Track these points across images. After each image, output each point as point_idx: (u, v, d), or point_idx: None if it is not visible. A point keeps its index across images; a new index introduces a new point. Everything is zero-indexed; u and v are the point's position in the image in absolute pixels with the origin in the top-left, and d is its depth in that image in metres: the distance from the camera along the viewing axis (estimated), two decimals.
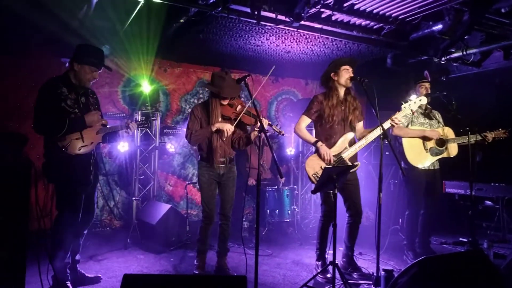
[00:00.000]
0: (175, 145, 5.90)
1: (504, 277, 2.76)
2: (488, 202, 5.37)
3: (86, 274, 3.45)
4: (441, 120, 4.42)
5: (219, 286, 2.32)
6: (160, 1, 3.69)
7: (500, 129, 4.16)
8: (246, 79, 3.24)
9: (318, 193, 3.82)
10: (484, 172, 4.80)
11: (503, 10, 4.28)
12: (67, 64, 3.24)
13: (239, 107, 3.69)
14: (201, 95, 6.41)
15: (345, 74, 3.63)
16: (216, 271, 3.78)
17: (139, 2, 3.70)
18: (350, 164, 3.59)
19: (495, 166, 5.07)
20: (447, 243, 5.13)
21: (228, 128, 3.52)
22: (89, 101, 3.32)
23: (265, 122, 3.39)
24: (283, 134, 3.62)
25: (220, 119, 3.61)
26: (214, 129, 3.54)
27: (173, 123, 6.18)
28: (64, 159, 3.08)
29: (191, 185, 6.10)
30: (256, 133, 3.53)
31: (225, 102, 3.65)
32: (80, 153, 3.14)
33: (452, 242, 5.14)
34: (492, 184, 5.12)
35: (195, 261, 3.79)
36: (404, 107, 3.58)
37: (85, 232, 3.47)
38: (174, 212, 4.90)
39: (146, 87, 5.46)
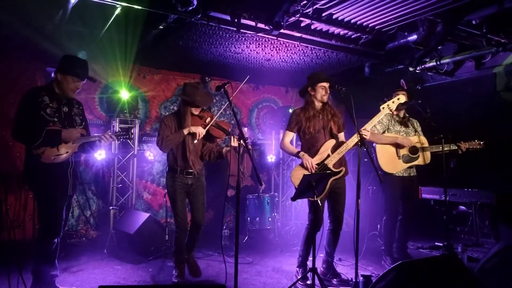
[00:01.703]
0: (154, 153, 5.83)
1: (478, 280, 2.83)
2: (462, 207, 5.51)
3: (60, 287, 3.35)
4: (419, 129, 4.50)
5: None
6: (139, 7, 3.67)
7: (476, 141, 4.28)
8: (226, 86, 3.25)
9: (301, 201, 3.84)
10: (458, 178, 4.93)
11: (474, 22, 4.44)
12: (52, 74, 3.26)
13: (208, 119, 3.79)
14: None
15: (322, 91, 3.74)
16: (192, 274, 3.82)
17: (117, 7, 3.67)
18: (334, 170, 3.64)
19: (468, 172, 5.21)
20: (424, 248, 5.23)
21: (201, 131, 3.58)
22: (72, 111, 3.31)
23: (236, 141, 3.43)
24: (251, 149, 3.70)
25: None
26: (186, 132, 3.62)
27: (152, 131, 6.11)
28: (40, 167, 3.06)
29: None
30: (228, 148, 3.67)
31: (196, 112, 3.73)
32: (55, 162, 3.09)
33: (428, 246, 5.24)
34: (466, 189, 5.26)
35: (174, 270, 3.76)
36: (383, 107, 3.65)
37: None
38: (153, 221, 4.83)
39: (124, 94, 5.39)
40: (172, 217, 5.91)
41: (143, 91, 6.03)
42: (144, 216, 4.76)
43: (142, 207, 5.94)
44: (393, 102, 3.67)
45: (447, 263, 2.75)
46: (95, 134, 3.45)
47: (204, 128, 3.69)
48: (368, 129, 3.59)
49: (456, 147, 4.24)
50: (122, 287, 2.89)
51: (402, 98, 3.70)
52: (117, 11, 3.73)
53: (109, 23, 3.98)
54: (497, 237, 5.03)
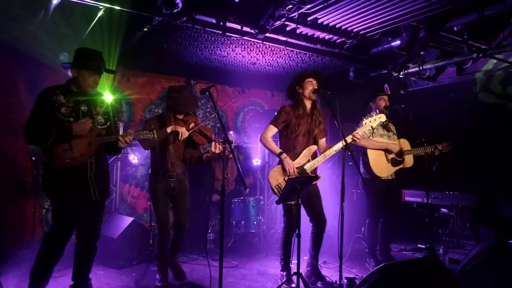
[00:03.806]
0: (138, 156, 5.77)
1: (458, 282, 2.88)
2: (444, 210, 5.61)
3: None
4: (395, 132, 4.60)
5: None
6: (122, 9, 3.64)
7: (444, 142, 4.39)
8: (211, 89, 3.23)
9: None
10: (440, 181, 5.02)
11: (455, 28, 4.54)
12: (69, 72, 3.06)
13: (192, 124, 3.76)
14: None
15: (309, 86, 3.70)
16: (176, 277, 3.80)
17: (100, 9, 3.63)
18: (314, 175, 3.65)
19: (450, 175, 5.30)
20: (407, 250, 5.30)
21: (183, 131, 3.55)
22: (94, 110, 3.08)
23: (217, 148, 3.48)
24: (230, 158, 3.64)
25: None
26: (169, 130, 3.58)
27: None
28: (54, 172, 2.89)
29: None
30: (209, 154, 3.68)
31: (180, 117, 3.69)
32: (68, 165, 2.90)
33: (411, 248, 5.32)
34: (447, 192, 5.35)
35: (157, 275, 3.72)
36: (365, 123, 3.69)
37: (87, 269, 3.22)
38: (137, 225, 4.77)
39: (108, 97, 5.31)
40: (155, 221, 5.90)
41: (127, 94, 5.97)
42: (127, 220, 4.69)
43: (126, 211, 5.87)
44: (374, 119, 3.69)
45: (429, 265, 2.80)
46: (114, 135, 3.15)
47: (188, 131, 3.67)
48: (360, 134, 3.61)
49: (433, 150, 4.32)
50: None
51: (383, 117, 3.73)
52: (100, 12, 3.69)
53: (92, 24, 3.93)
54: (477, 239, 5.13)
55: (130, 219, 4.71)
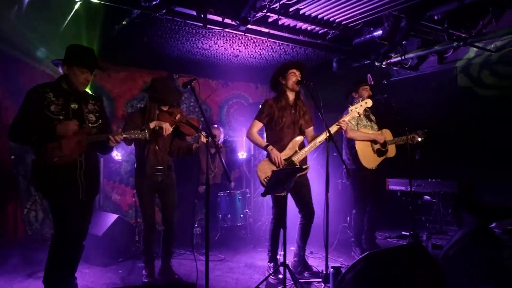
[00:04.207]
0: (121, 153, 5.68)
1: (441, 266, 2.94)
2: (427, 197, 5.71)
3: None
4: (375, 122, 4.62)
5: None
6: (100, 2, 3.56)
7: (420, 131, 4.43)
8: (192, 83, 3.19)
9: (270, 196, 3.85)
10: (423, 169, 5.09)
11: (436, 17, 4.58)
12: (60, 68, 2.97)
13: (178, 115, 3.67)
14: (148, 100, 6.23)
15: (292, 77, 3.69)
16: (161, 274, 3.72)
17: (76, 2, 3.53)
18: (301, 167, 3.66)
19: (433, 162, 5.38)
20: (391, 237, 5.38)
21: (167, 126, 3.48)
22: (85, 108, 2.99)
23: (203, 138, 3.42)
24: (221, 147, 3.66)
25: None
26: (152, 125, 3.48)
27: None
28: (44, 169, 2.83)
29: None
30: (197, 145, 3.61)
31: (165, 109, 3.62)
32: (57, 164, 2.83)
33: (396, 236, 5.40)
34: (430, 180, 5.44)
35: (143, 270, 3.70)
36: (351, 110, 3.70)
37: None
38: (122, 222, 4.71)
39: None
40: (141, 218, 5.85)
41: (108, 89, 5.87)
42: (112, 217, 4.63)
43: (111, 208, 5.79)
44: (361, 105, 3.71)
45: (412, 251, 2.84)
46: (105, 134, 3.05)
47: (174, 124, 3.59)
48: (347, 120, 3.62)
49: (412, 139, 4.36)
50: None
51: (369, 102, 3.75)
52: (77, 5, 3.60)
53: (69, 18, 3.83)
54: (459, 225, 5.24)
55: (115, 216, 4.65)
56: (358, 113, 3.74)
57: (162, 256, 3.77)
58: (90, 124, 3.00)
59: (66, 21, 3.92)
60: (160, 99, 3.57)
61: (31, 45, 4.14)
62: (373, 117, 4.62)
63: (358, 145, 4.35)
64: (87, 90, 3.15)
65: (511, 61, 5.17)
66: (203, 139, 3.44)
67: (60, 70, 2.97)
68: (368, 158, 4.36)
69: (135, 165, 3.74)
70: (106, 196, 5.76)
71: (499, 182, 5.12)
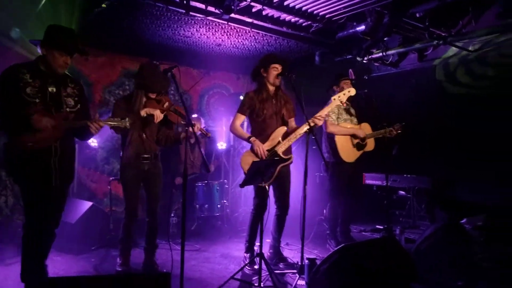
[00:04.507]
0: (98, 139, 5.55)
1: (413, 259, 3.01)
2: (402, 192, 5.82)
3: None
4: (355, 115, 4.66)
5: (141, 285, 2.24)
6: None
7: (397, 124, 4.49)
8: (173, 70, 3.12)
9: (251, 187, 3.86)
10: (399, 164, 5.18)
11: (418, 15, 4.63)
12: (38, 48, 2.81)
13: (166, 103, 3.56)
14: (127, 86, 6.11)
15: (274, 72, 3.70)
16: (145, 268, 3.66)
17: None
18: (284, 157, 3.67)
19: (409, 158, 5.48)
20: (366, 231, 5.48)
21: (158, 113, 3.40)
22: (64, 92, 2.85)
23: (196, 127, 3.36)
24: (209, 136, 3.62)
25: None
26: (143, 113, 3.39)
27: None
28: (16, 153, 2.70)
29: (116, 181, 5.79)
30: (185, 134, 3.46)
31: (153, 96, 3.52)
32: (31, 149, 2.70)
33: (370, 229, 5.50)
34: (405, 175, 5.55)
35: (118, 259, 3.64)
36: (334, 99, 3.72)
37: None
38: (96, 210, 4.62)
39: None
40: (117, 205, 5.76)
41: (86, 73, 5.70)
42: (86, 205, 4.54)
43: (85, 195, 5.67)
44: (344, 94, 3.72)
45: (386, 244, 2.90)
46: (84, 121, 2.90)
47: (162, 112, 3.51)
48: (323, 116, 3.62)
49: (390, 133, 4.41)
50: (60, 279, 2.71)
51: (352, 91, 3.76)
52: None
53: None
54: (432, 220, 5.38)
55: (89, 203, 4.56)
56: (341, 101, 3.75)
57: (147, 249, 3.69)
58: (68, 109, 2.87)
59: (43, 1, 3.76)
60: (147, 86, 3.45)
61: (5, 24, 3.96)
62: (353, 111, 4.65)
63: (338, 140, 4.38)
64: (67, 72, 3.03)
65: (488, 61, 5.29)
66: (194, 129, 3.39)
67: (39, 50, 2.83)
68: (348, 152, 4.40)
69: (120, 153, 3.60)
70: (80, 183, 5.63)
71: (472, 180, 5.27)
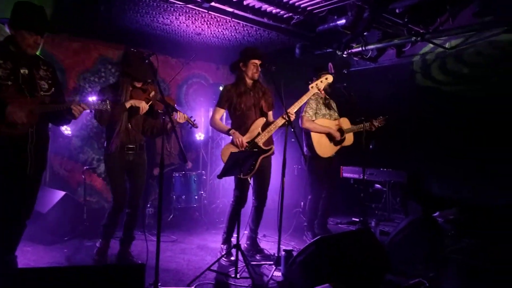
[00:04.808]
0: (71, 127, 5.38)
1: (387, 251, 3.07)
2: (378, 185, 5.93)
3: None
4: (336, 109, 4.69)
5: (115, 276, 2.19)
6: None
7: (380, 117, 4.54)
8: (150, 57, 3.03)
9: (230, 179, 3.84)
10: (376, 158, 5.27)
11: (397, 11, 4.68)
12: (6, 27, 2.66)
13: (152, 93, 3.47)
14: (103, 74, 5.94)
15: (253, 68, 3.69)
16: (119, 259, 3.59)
17: None
18: (264, 148, 3.66)
19: (385, 152, 5.57)
20: (342, 223, 5.56)
21: (144, 105, 3.32)
22: (37, 74, 2.72)
23: (183, 117, 3.34)
24: (196, 127, 3.58)
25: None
26: (128, 105, 3.30)
27: None
28: None
29: (90, 170, 5.68)
30: (171, 124, 3.42)
31: (139, 85, 3.43)
32: (5, 135, 2.57)
33: (346, 222, 5.58)
34: (381, 169, 5.65)
35: (98, 243, 3.56)
36: (312, 87, 3.72)
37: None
38: (69, 200, 4.50)
39: None
40: (91, 195, 5.63)
41: (59, 59, 5.51)
42: (59, 194, 4.42)
43: (58, 185, 5.51)
44: (321, 81, 3.76)
45: (361, 236, 2.94)
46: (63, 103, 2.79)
47: (148, 102, 3.41)
48: (293, 112, 3.62)
49: (372, 126, 4.44)
50: (31, 270, 2.62)
51: (330, 78, 3.80)
52: None
53: None
54: (406, 213, 5.50)
55: (62, 193, 4.44)
56: (318, 89, 3.77)
57: (123, 240, 3.61)
58: (42, 92, 2.73)
59: None
60: (133, 75, 3.36)
61: None
62: (333, 104, 4.66)
63: (314, 136, 4.39)
64: (38, 54, 2.89)
65: (463, 59, 5.41)
66: (180, 119, 3.33)
67: (7, 29, 2.70)
68: (324, 148, 4.42)
69: (105, 143, 3.49)
70: (53, 172, 5.47)
71: (444, 175, 5.42)
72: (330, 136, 4.44)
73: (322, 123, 4.44)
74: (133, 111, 3.39)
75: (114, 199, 3.46)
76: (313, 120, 4.40)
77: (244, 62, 3.72)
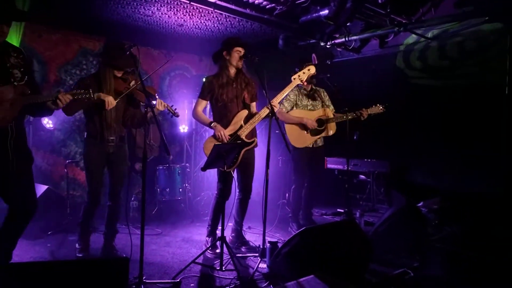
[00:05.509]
0: (53, 121, 5.27)
1: (371, 241, 3.11)
2: (362, 176, 5.99)
3: None
4: (326, 98, 4.66)
5: (98, 270, 2.18)
6: None
7: (377, 105, 4.50)
8: (132, 49, 2.98)
9: (214, 171, 3.83)
10: (360, 149, 5.31)
11: (380, 1, 4.68)
12: None
13: (132, 82, 3.43)
14: (84, 66, 5.82)
15: (237, 55, 3.64)
16: (103, 253, 3.56)
17: None
18: (247, 141, 3.64)
19: (369, 143, 5.63)
20: (327, 214, 5.60)
21: (110, 100, 3.25)
22: (8, 62, 2.56)
23: (162, 104, 3.29)
24: (177, 116, 3.53)
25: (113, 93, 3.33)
26: (96, 96, 3.18)
27: None
28: None
29: (73, 164, 5.59)
30: (151, 114, 3.35)
31: (119, 74, 3.38)
32: None
33: (331, 213, 5.63)
34: (365, 160, 5.70)
35: (77, 244, 3.54)
36: (294, 78, 3.72)
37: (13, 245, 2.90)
38: (52, 194, 4.45)
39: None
40: (74, 189, 5.55)
41: (39, 51, 5.37)
42: (41, 188, 4.34)
43: (40, 179, 5.40)
44: (303, 72, 3.75)
45: (346, 227, 2.98)
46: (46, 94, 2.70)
47: (127, 91, 3.36)
48: (277, 104, 3.60)
49: (357, 116, 4.40)
50: (14, 265, 2.57)
51: (312, 69, 3.80)
52: None
53: None
54: (390, 203, 5.58)
55: (44, 187, 4.38)
56: (301, 80, 3.78)
57: (106, 234, 3.58)
58: (15, 82, 2.58)
59: None
60: (112, 64, 3.31)
61: None
62: (322, 95, 4.64)
63: (287, 127, 4.41)
64: (10, 42, 2.78)
65: (445, 49, 5.47)
66: (160, 106, 3.28)
67: None
68: (298, 139, 4.41)
69: (85, 134, 3.45)
70: (35, 166, 5.32)
71: (429, 164, 5.50)
72: (304, 126, 4.43)
73: (298, 114, 4.43)
74: (102, 106, 3.28)
75: (89, 191, 3.43)
76: (287, 112, 4.40)
77: (228, 50, 3.66)
